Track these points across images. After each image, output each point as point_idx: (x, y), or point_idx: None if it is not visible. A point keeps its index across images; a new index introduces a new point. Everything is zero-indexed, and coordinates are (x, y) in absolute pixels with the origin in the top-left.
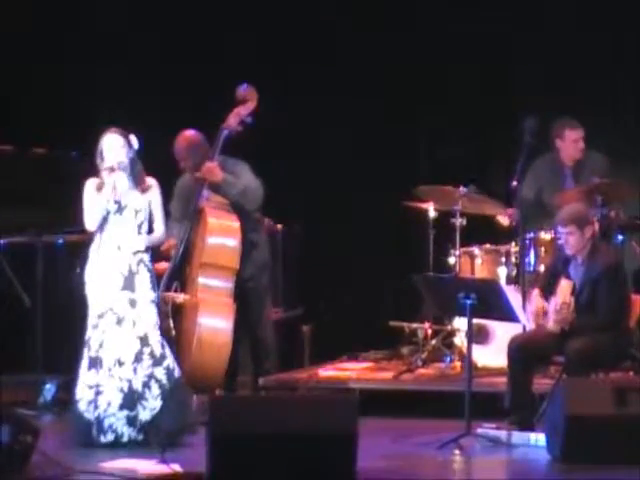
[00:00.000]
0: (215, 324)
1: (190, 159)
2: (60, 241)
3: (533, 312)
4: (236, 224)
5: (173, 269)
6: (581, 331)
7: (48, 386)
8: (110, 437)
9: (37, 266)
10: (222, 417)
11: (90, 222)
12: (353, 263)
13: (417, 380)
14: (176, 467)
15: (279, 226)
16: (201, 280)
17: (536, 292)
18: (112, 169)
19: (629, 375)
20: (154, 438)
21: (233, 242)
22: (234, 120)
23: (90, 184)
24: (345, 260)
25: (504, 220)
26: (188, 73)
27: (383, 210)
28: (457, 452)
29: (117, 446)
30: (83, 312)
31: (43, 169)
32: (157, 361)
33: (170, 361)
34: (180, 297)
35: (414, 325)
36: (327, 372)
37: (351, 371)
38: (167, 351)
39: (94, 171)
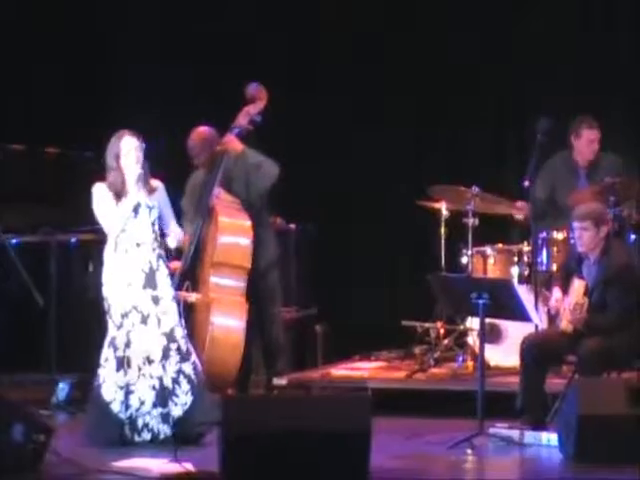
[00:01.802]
0: (228, 323)
1: (203, 155)
2: (74, 240)
3: (554, 306)
4: (248, 223)
5: (185, 268)
6: (594, 331)
7: (62, 385)
8: (146, 436)
9: (50, 265)
10: (235, 416)
11: (113, 228)
12: (366, 263)
13: (430, 380)
14: (189, 466)
15: (292, 226)
16: (213, 279)
17: (557, 289)
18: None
19: None
20: (187, 433)
21: (245, 241)
22: (244, 119)
23: (102, 190)
24: (358, 260)
25: (518, 214)
26: (200, 71)
27: (396, 210)
28: (469, 451)
29: (154, 444)
30: (97, 312)
31: (57, 168)
32: (184, 357)
33: (194, 357)
34: (192, 296)
35: (427, 325)
36: (340, 371)
37: (364, 370)
38: (191, 347)
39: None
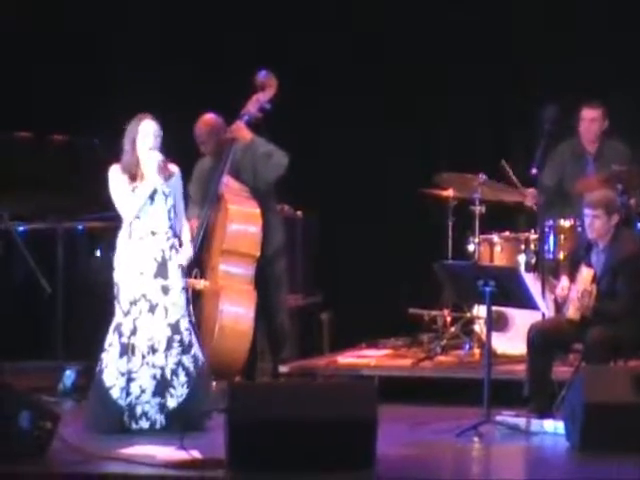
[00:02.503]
0: (237, 312)
1: (211, 143)
2: (80, 227)
3: (561, 294)
4: (257, 210)
5: (193, 255)
6: (601, 318)
7: (68, 372)
8: (144, 424)
9: (57, 252)
10: (241, 403)
11: (129, 211)
12: (372, 250)
13: (436, 367)
14: (195, 453)
15: (298, 213)
16: (222, 267)
17: (564, 277)
18: (161, 161)
19: None
20: (177, 425)
21: (254, 229)
22: (253, 106)
23: (117, 172)
24: (364, 247)
25: (529, 202)
26: (208, 59)
27: (403, 197)
28: (476, 439)
29: (150, 433)
30: (104, 297)
31: (63, 156)
32: (185, 349)
33: (196, 348)
34: (200, 283)
35: (433, 312)
36: (346, 359)
37: (370, 358)
38: (194, 338)
39: (115, 157)
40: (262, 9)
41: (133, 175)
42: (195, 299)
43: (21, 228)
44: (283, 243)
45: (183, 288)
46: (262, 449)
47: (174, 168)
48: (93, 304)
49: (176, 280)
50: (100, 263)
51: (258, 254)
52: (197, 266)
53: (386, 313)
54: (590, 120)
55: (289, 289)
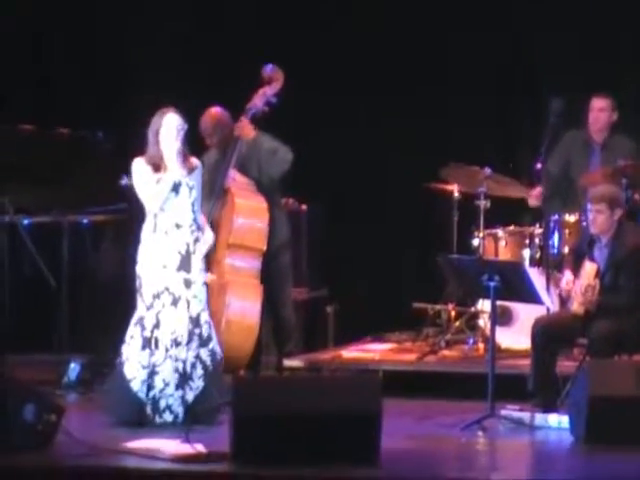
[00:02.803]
0: (243, 306)
1: (216, 136)
2: (85, 221)
3: (565, 288)
4: (264, 205)
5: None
6: (605, 313)
7: (73, 366)
8: (168, 417)
9: (62, 246)
10: (246, 397)
11: (154, 202)
12: (378, 244)
13: (440, 362)
14: (200, 447)
15: (304, 206)
16: (228, 261)
17: (568, 272)
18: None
19: None
20: (191, 418)
21: (260, 223)
22: (260, 100)
23: (141, 164)
24: (370, 241)
25: (534, 202)
26: (214, 51)
27: (408, 191)
28: (480, 434)
29: (174, 426)
30: (109, 290)
31: (68, 149)
32: (203, 342)
33: (214, 342)
34: (207, 277)
35: (438, 307)
36: (351, 353)
37: (375, 352)
38: (213, 332)
39: (126, 150)
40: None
41: (157, 166)
42: None
43: (26, 221)
44: (288, 238)
45: (204, 282)
46: (266, 443)
47: (196, 162)
48: (98, 297)
49: (198, 273)
50: (105, 256)
51: (264, 248)
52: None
53: (391, 307)
54: (599, 110)
55: (294, 283)
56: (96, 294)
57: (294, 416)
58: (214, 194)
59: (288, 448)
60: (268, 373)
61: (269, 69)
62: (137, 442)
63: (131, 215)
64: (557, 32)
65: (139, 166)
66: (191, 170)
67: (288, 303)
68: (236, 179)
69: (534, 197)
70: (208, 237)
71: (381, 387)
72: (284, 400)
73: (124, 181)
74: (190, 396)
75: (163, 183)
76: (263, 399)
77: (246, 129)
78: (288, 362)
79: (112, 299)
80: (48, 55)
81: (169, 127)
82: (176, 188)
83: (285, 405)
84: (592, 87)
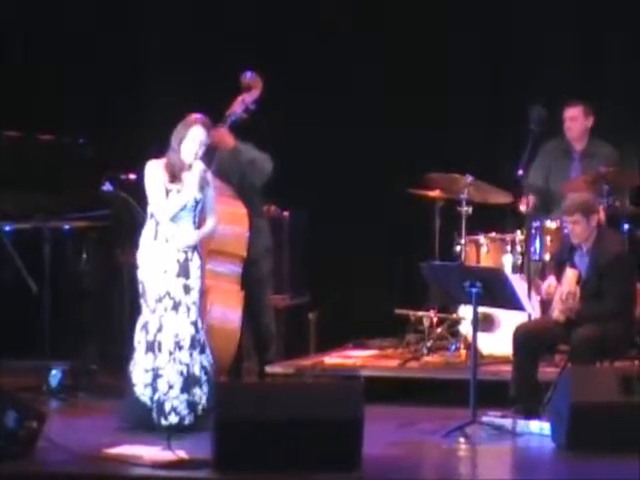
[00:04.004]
0: (224, 311)
1: None
2: (67, 227)
3: (547, 291)
4: (243, 210)
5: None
6: (587, 320)
7: (54, 372)
8: (173, 419)
9: (44, 252)
10: (228, 403)
11: (164, 216)
12: (359, 251)
13: (422, 368)
14: (181, 453)
15: (285, 213)
16: (209, 267)
17: (552, 277)
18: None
19: (634, 364)
20: (206, 424)
21: (240, 229)
22: (239, 107)
23: (157, 169)
24: (351, 247)
25: (523, 208)
26: (194, 58)
27: (390, 198)
28: (462, 440)
29: (180, 429)
30: (91, 297)
31: (50, 155)
32: (202, 348)
33: (208, 349)
34: None
35: (420, 313)
36: (333, 359)
37: (357, 358)
38: (207, 339)
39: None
40: (260, 9)
41: (174, 176)
42: None
43: (7, 227)
44: (269, 245)
45: (201, 289)
46: (248, 449)
47: (209, 177)
48: (80, 304)
49: (196, 280)
50: (86, 262)
51: (245, 254)
52: None
53: (372, 313)
54: (570, 118)
55: (276, 289)
56: (78, 300)
57: (276, 422)
58: None
59: (270, 454)
60: (250, 379)
61: (248, 76)
62: (119, 448)
63: (115, 221)
64: (542, 37)
65: (155, 170)
66: (204, 186)
67: (268, 311)
68: (216, 185)
69: (523, 203)
70: (191, 236)
71: (363, 393)
72: (266, 406)
73: (106, 187)
74: (203, 400)
75: (175, 200)
76: (245, 405)
77: (225, 138)
78: (270, 369)
79: (94, 305)
80: (22, 57)
81: (193, 140)
82: (186, 203)
83: (267, 411)
84: (574, 94)
